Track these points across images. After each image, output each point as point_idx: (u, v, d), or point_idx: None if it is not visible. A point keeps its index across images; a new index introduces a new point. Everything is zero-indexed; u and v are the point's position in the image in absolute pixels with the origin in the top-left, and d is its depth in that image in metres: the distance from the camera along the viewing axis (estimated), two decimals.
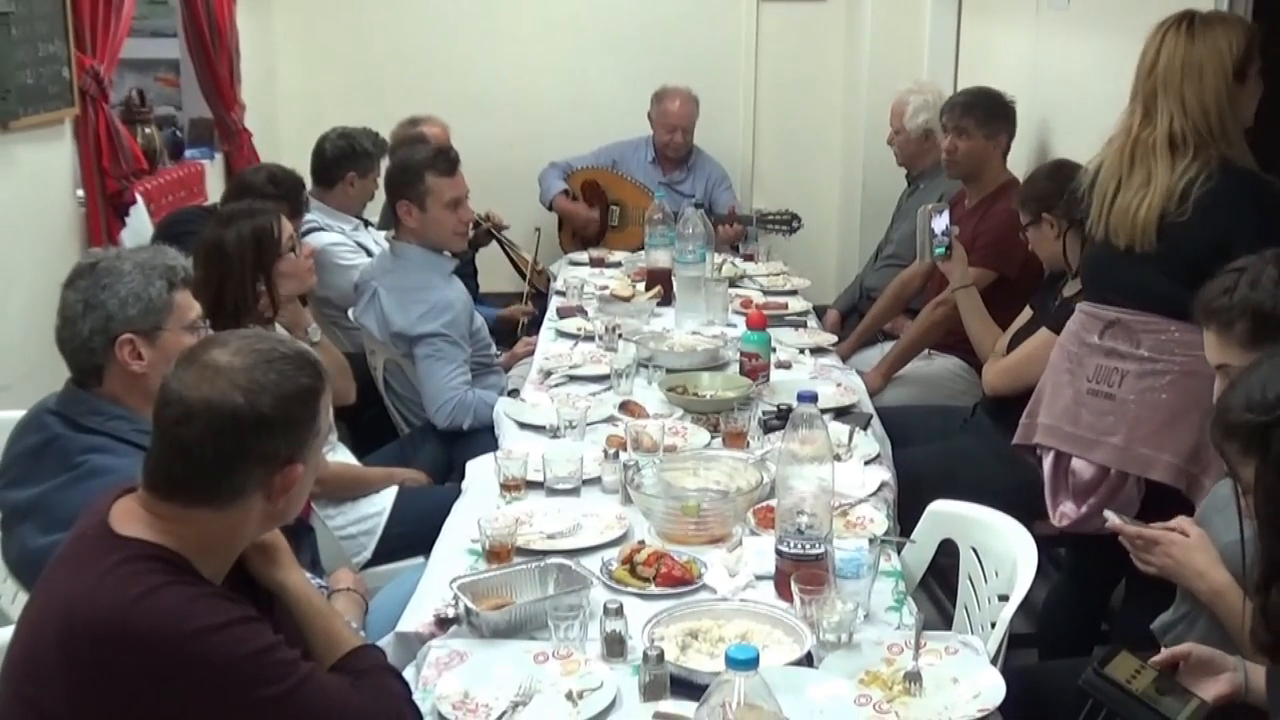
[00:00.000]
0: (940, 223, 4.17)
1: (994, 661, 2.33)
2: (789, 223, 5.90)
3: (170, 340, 2.50)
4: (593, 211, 6.29)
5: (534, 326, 5.13)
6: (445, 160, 4.21)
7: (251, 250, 3.35)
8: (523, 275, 5.97)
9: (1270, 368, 1.95)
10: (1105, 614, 3.56)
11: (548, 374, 4.02)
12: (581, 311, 4.78)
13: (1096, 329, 3.23)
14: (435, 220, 4.17)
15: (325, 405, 1.93)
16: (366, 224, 5.19)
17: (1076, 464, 3.24)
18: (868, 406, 3.83)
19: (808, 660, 2.25)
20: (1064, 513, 3.26)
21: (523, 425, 3.55)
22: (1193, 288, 2.91)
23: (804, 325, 4.71)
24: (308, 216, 4.84)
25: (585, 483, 3.06)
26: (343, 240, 4.90)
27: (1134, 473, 3.13)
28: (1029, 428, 3.41)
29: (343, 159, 4.99)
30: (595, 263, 5.74)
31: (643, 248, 5.16)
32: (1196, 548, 2.36)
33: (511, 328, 5.42)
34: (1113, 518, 2.66)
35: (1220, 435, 1.99)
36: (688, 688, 2.12)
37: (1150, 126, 3.07)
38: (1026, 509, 3.07)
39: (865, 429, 3.47)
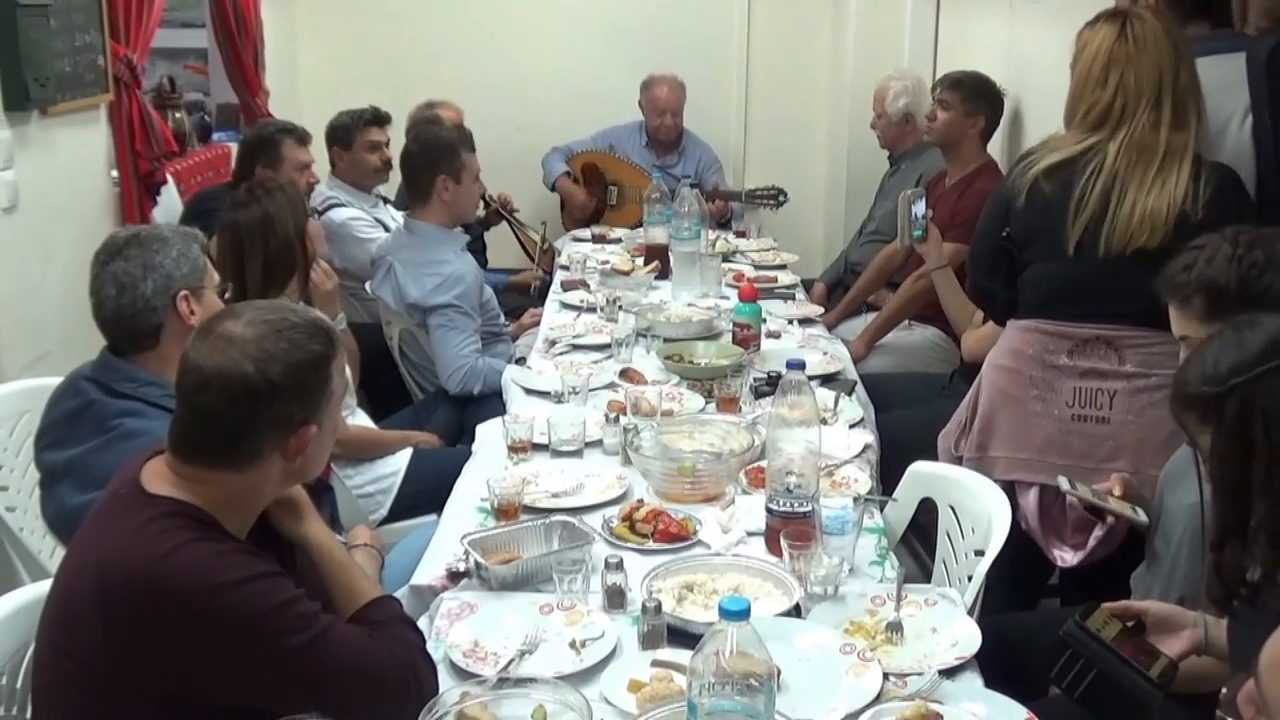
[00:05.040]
0: (919, 208, 4.15)
1: (970, 612, 2.31)
2: (775, 197, 5.90)
3: (209, 298, 2.56)
4: (590, 198, 6.26)
5: (541, 296, 5.11)
6: (471, 139, 4.34)
7: (290, 216, 3.34)
8: (529, 255, 5.96)
9: (1221, 342, 1.93)
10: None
11: (553, 343, 4.01)
12: (584, 285, 4.76)
13: (1063, 349, 2.92)
14: (467, 193, 4.25)
15: (338, 369, 1.90)
16: (386, 201, 5.18)
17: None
18: (852, 373, 3.82)
19: (796, 611, 2.24)
20: (1062, 557, 2.86)
21: (529, 391, 3.53)
22: None
23: (792, 297, 4.71)
24: (327, 193, 4.83)
25: (588, 445, 3.05)
26: (361, 215, 4.87)
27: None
28: (983, 462, 3.01)
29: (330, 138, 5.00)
30: (597, 239, 5.74)
31: (641, 225, 5.15)
32: None
33: (524, 290, 5.43)
34: (1064, 484, 2.64)
35: (1179, 407, 1.98)
36: (684, 637, 2.12)
37: (1184, 130, 2.81)
38: None
39: (850, 394, 3.46)
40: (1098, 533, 2.81)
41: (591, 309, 4.40)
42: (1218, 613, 2.03)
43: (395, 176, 4.86)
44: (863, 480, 2.85)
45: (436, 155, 4.18)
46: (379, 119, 5.02)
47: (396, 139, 5.02)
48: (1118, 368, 2.88)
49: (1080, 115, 2.93)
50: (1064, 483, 2.64)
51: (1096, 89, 2.89)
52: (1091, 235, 2.83)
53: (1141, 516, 2.53)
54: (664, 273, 4.73)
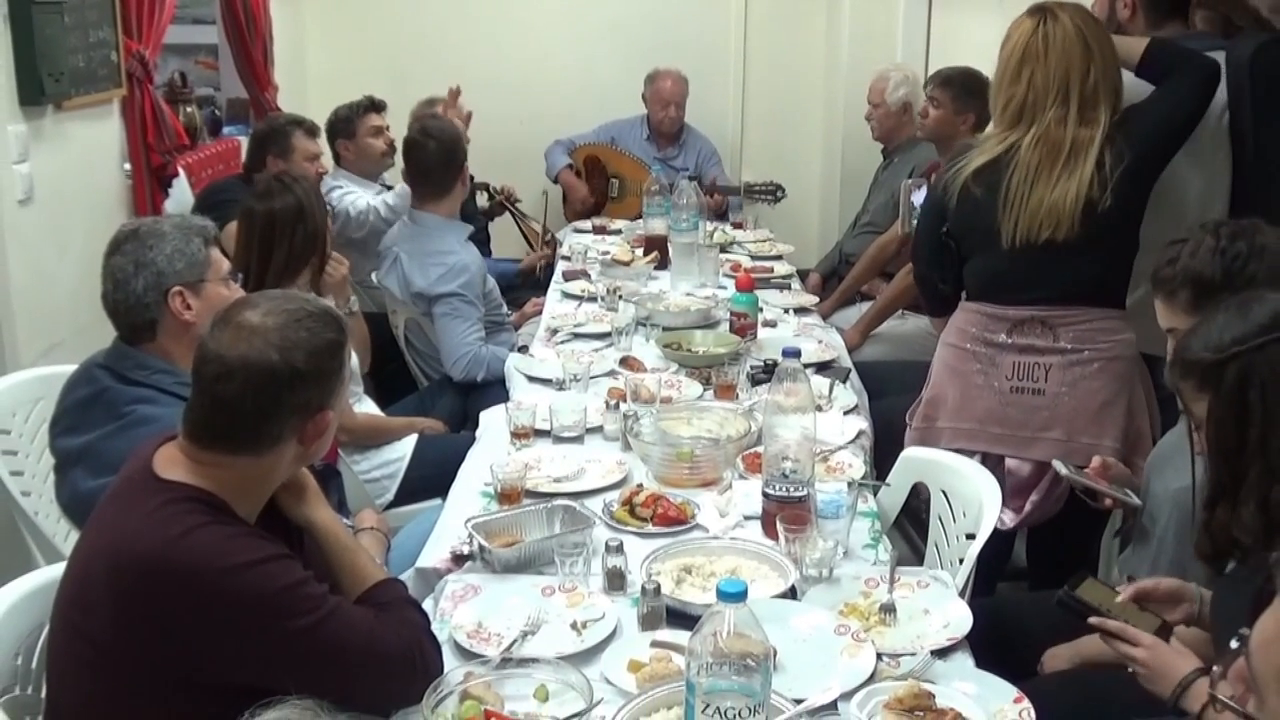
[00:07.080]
0: (919, 196, 4.14)
1: (962, 594, 2.31)
2: (773, 193, 5.89)
3: (212, 291, 2.51)
4: (590, 192, 6.25)
5: (544, 286, 5.10)
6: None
7: (319, 208, 3.35)
8: (531, 245, 5.96)
9: (1227, 315, 1.94)
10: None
11: (554, 332, 4.01)
12: (585, 275, 4.76)
13: (1002, 328, 3.02)
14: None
15: (348, 354, 1.93)
16: (389, 188, 5.17)
17: (1011, 463, 3.04)
18: (847, 361, 3.82)
19: (791, 593, 2.24)
20: (1002, 519, 2.84)
21: (531, 378, 3.53)
22: (1118, 270, 2.96)
23: (788, 287, 4.71)
24: (333, 182, 4.82)
25: (588, 431, 3.04)
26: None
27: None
28: (929, 432, 3.14)
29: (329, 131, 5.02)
30: (597, 230, 5.74)
31: (641, 217, 5.15)
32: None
33: (531, 274, 5.46)
34: (1061, 468, 2.64)
35: (1179, 373, 1.99)
36: (682, 618, 2.12)
37: (1091, 126, 2.86)
38: None
39: (844, 382, 3.46)
40: (1034, 497, 3.01)
41: (592, 298, 4.40)
42: (1208, 570, 2.06)
43: (396, 171, 4.86)
44: (857, 465, 2.85)
45: (458, 151, 4.22)
46: (375, 105, 5.05)
47: (393, 124, 5.09)
48: (1053, 344, 2.98)
49: (1000, 108, 3.01)
50: (1060, 467, 2.64)
51: (1012, 84, 2.96)
52: (1021, 224, 2.92)
53: (1134, 500, 2.53)
54: (663, 263, 4.73)
